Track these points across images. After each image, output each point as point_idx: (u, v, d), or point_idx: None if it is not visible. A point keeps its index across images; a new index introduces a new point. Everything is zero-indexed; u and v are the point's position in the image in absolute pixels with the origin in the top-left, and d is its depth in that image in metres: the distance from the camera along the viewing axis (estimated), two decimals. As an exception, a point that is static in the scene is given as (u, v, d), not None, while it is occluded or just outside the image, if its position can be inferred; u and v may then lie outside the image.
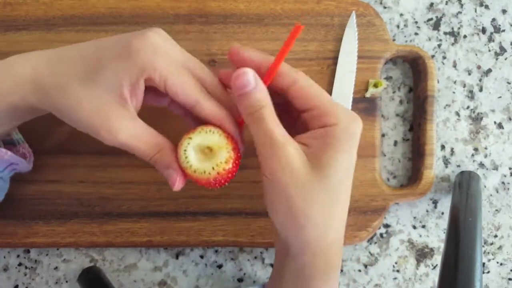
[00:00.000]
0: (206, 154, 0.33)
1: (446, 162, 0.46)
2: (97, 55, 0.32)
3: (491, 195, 0.47)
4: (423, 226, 0.46)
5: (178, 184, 0.33)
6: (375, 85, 0.44)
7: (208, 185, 0.33)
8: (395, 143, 0.47)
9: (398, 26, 0.47)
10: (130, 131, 0.32)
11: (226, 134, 0.33)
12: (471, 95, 0.47)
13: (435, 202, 0.47)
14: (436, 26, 0.47)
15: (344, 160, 0.32)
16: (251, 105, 0.32)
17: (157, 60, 0.31)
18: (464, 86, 0.47)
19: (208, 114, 0.33)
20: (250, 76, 0.31)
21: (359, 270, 0.46)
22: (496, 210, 0.47)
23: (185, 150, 0.33)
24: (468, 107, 0.47)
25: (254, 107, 0.32)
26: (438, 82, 0.46)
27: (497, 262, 0.47)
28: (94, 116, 0.31)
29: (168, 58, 0.32)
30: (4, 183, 0.38)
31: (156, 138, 0.33)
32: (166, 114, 0.38)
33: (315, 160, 0.31)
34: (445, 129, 0.46)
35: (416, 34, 0.47)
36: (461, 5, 0.47)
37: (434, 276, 0.46)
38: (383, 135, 0.47)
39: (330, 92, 0.44)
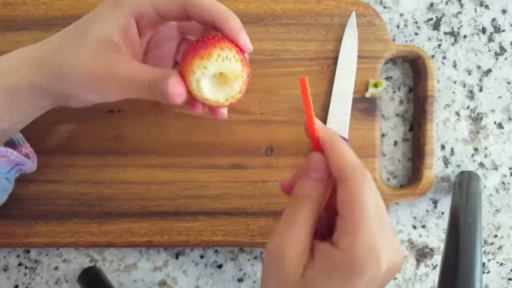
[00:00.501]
0: (219, 80, 0.31)
1: (446, 162, 0.46)
2: (88, 16, 0.33)
3: (491, 195, 0.47)
4: (423, 226, 0.46)
5: (180, 92, 0.30)
6: (375, 85, 0.44)
7: (214, 110, 0.32)
8: (395, 143, 0.47)
9: (398, 26, 0.47)
10: (126, 67, 0.31)
11: (241, 56, 0.31)
12: (471, 95, 0.47)
13: (435, 202, 0.47)
14: (436, 26, 0.47)
15: None
16: (300, 190, 0.30)
17: None
18: (464, 86, 0.47)
19: (206, 5, 0.31)
20: (319, 164, 0.30)
21: (359, 270, 0.46)
22: (496, 210, 0.47)
23: (198, 81, 0.30)
24: (468, 107, 0.47)
25: (300, 193, 0.30)
26: (438, 82, 0.46)
27: (497, 262, 0.47)
28: (91, 65, 0.31)
29: None
30: (9, 184, 0.38)
31: (156, 69, 0.32)
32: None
33: (306, 276, 0.28)
34: (445, 129, 0.46)
35: (416, 34, 0.47)
36: (461, 5, 0.47)
37: (434, 276, 0.46)
38: (383, 135, 0.47)
39: (330, 92, 0.44)
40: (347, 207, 0.28)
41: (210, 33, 0.32)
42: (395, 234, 0.30)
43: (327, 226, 0.32)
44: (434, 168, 0.44)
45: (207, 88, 0.31)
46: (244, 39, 0.32)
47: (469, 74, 0.47)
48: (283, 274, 0.28)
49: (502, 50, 0.47)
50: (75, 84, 0.32)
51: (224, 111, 0.36)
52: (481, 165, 0.46)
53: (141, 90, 0.31)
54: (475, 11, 0.47)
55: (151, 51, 0.37)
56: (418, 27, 0.47)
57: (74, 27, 0.33)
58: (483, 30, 0.47)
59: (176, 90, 0.30)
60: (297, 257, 0.28)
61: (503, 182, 0.46)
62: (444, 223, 0.46)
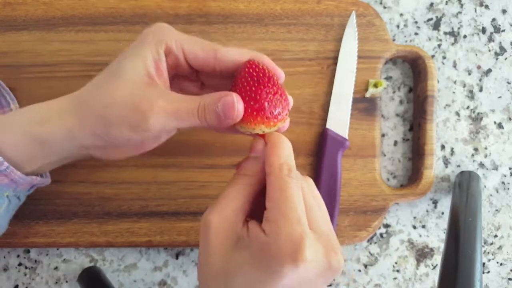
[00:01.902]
0: None
1: (446, 162, 0.46)
2: (122, 55, 0.33)
3: (491, 195, 0.47)
4: (423, 226, 0.46)
5: (238, 105, 0.31)
6: (375, 85, 0.44)
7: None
8: (395, 143, 0.47)
9: (398, 26, 0.47)
10: (167, 97, 0.32)
11: (287, 111, 0.32)
12: (471, 95, 0.47)
13: (435, 202, 0.47)
14: (436, 26, 0.47)
15: (249, 272, 0.28)
16: (240, 168, 0.32)
17: (169, 32, 0.33)
18: (464, 86, 0.47)
19: (235, 54, 0.33)
20: (257, 145, 0.33)
21: (359, 270, 0.46)
22: (496, 210, 0.47)
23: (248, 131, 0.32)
24: (468, 107, 0.47)
25: (239, 170, 0.32)
26: (438, 82, 0.46)
27: (497, 262, 0.47)
28: (131, 100, 0.31)
29: (177, 31, 0.33)
30: (21, 201, 0.38)
31: (200, 96, 0.32)
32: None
33: (234, 250, 0.29)
34: (445, 129, 0.46)
35: (416, 34, 0.47)
36: (461, 5, 0.47)
37: (434, 276, 0.46)
38: (383, 135, 0.47)
39: (330, 92, 0.44)
40: (271, 199, 0.29)
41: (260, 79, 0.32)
42: (333, 239, 0.30)
43: None
44: (434, 168, 0.44)
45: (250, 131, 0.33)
46: (280, 71, 0.33)
47: (469, 74, 0.47)
48: (210, 241, 0.29)
49: (502, 50, 0.47)
50: (116, 122, 0.32)
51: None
52: (481, 165, 0.46)
53: (188, 116, 0.31)
54: (475, 11, 0.47)
55: (174, 85, 0.37)
56: (418, 27, 0.47)
57: (109, 67, 0.33)
58: (483, 30, 0.47)
59: (240, 105, 0.31)
60: (224, 225, 0.30)
61: (503, 182, 0.46)
62: (444, 223, 0.46)
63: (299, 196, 0.29)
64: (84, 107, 0.33)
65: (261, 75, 0.31)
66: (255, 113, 0.31)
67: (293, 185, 0.29)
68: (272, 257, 0.27)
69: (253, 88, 0.31)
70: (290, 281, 0.28)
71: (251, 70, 0.31)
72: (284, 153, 0.31)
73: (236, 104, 0.31)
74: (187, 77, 0.36)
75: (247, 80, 0.31)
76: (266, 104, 0.31)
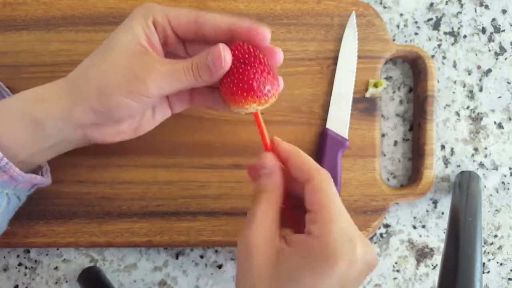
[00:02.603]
0: None
1: (446, 162, 0.46)
2: (112, 33, 0.34)
3: (491, 195, 0.47)
4: (423, 226, 0.46)
5: (225, 53, 0.32)
6: (375, 85, 0.44)
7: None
8: (395, 143, 0.47)
9: (398, 26, 0.47)
10: (162, 61, 0.33)
11: (278, 90, 0.34)
12: (471, 95, 0.47)
13: (435, 202, 0.47)
14: (436, 26, 0.47)
15: (308, 279, 0.28)
16: (258, 185, 0.33)
17: (155, 6, 0.34)
18: (464, 86, 0.47)
19: (215, 18, 0.34)
20: (267, 161, 0.33)
21: (359, 270, 0.46)
22: (496, 210, 0.47)
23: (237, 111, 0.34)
24: (468, 107, 0.47)
25: (258, 188, 0.33)
26: (438, 82, 0.46)
27: (497, 262, 0.47)
28: (127, 67, 0.32)
29: (163, 6, 0.34)
30: (21, 201, 0.38)
31: (189, 58, 0.33)
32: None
33: (282, 266, 0.29)
34: (445, 129, 0.46)
35: (416, 34, 0.47)
36: (461, 5, 0.47)
37: (434, 276, 0.46)
38: (383, 135, 0.47)
39: (330, 92, 0.44)
40: (317, 202, 0.30)
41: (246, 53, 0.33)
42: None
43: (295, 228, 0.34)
44: (434, 168, 0.44)
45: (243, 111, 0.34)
46: (264, 28, 0.33)
47: (469, 74, 0.47)
48: (254, 263, 0.29)
49: (502, 50, 0.47)
50: (114, 90, 0.32)
51: None
52: (481, 165, 0.46)
53: (182, 76, 0.32)
54: (475, 11, 0.47)
55: (170, 95, 0.38)
56: (418, 27, 0.47)
57: (101, 45, 0.34)
58: (483, 30, 0.47)
59: (226, 53, 0.32)
60: (265, 244, 0.30)
61: (503, 182, 0.46)
62: (444, 223, 0.46)
63: (338, 196, 0.31)
64: (80, 82, 0.33)
65: (247, 55, 0.32)
66: (245, 93, 0.32)
67: (333, 187, 0.31)
68: (326, 257, 0.28)
69: (240, 70, 0.32)
70: (339, 279, 0.28)
71: (236, 52, 0.33)
72: (308, 159, 0.32)
73: (222, 52, 0.32)
74: (177, 53, 0.37)
75: (234, 63, 0.32)
76: (254, 83, 0.32)
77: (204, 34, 0.34)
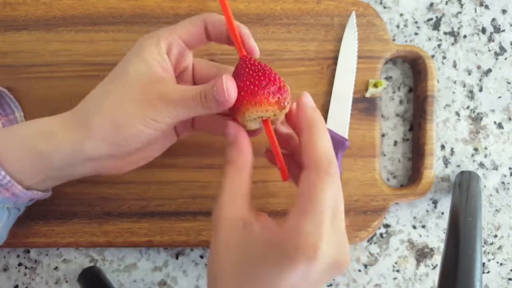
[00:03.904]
0: None
1: (446, 162, 0.46)
2: (123, 59, 0.34)
3: (491, 195, 0.47)
4: (423, 226, 0.46)
5: (227, 85, 0.31)
6: (375, 85, 0.44)
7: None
8: (395, 143, 0.47)
9: (398, 26, 0.47)
10: (174, 88, 0.33)
11: (287, 101, 0.33)
12: (471, 95, 0.47)
13: (435, 202, 0.47)
14: (436, 26, 0.47)
15: (263, 266, 0.29)
16: (225, 158, 0.33)
17: (160, 31, 0.34)
18: (464, 86, 0.47)
19: (221, 19, 0.34)
20: (230, 130, 0.33)
21: (359, 270, 0.46)
22: (496, 210, 0.47)
23: (245, 121, 0.33)
24: (468, 107, 0.47)
25: (226, 161, 0.33)
26: (438, 82, 0.46)
27: (497, 262, 0.47)
28: (140, 97, 0.32)
29: (167, 27, 0.35)
30: (20, 211, 0.38)
31: (201, 85, 0.33)
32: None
33: (245, 241, 0.29)
34: (445, 129, 0.46)
35: (416, 34, 0.47)
36: (461, 5, 0.47)
37: (434, 276, 0.46)
38: (383, 135, 0.47)
39: (330, 92, 0.44)
40: (303, 196, 0.29)
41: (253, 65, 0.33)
42: (346, 238, 0.31)
43: None
44: (434, 168, 0.44)
45: (252, 124, 0.33)
46: (251, 43, 0.34)
47: (469, 74, 0.47)
48: (221, 235, 0.30)
49: (502, 50, 0.47)
50: (129, 121, 0.32)
51: None
52: (481, 165, 0.46)
53: (192, 104, 0.32)
54: (475, 11, 0.47)
55: (182, 82, 0.38)
56: (418, 27, 0.47)
57: (114, 73, 0.34)
58: (483, 30, 0.47)
59: (229, 86, 0.31)
60: (232, 219, 0.30)
61: (503, 182, 0.46)
62: (444, 223, 0.46)
63: (332, 195, 0.29)
64: (91, 115, 0.32)
65: (260, 66, 0.32)
66: (267, 93, 0.31)
67: (329, 184, 0.29)
68: (287, 253, 0.28)
69: (260, 73, 0.32)
70: (298, 277, 0.28)
71: (249, 63, 0.32)
72: (324, 142, 0.31)
73: (225, 84, 0.31)
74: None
75: (248, 71, 0.32)
76: (277, 83, 0.32)
77: (213, 36, 0.34)
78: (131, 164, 0.36)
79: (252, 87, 0.31)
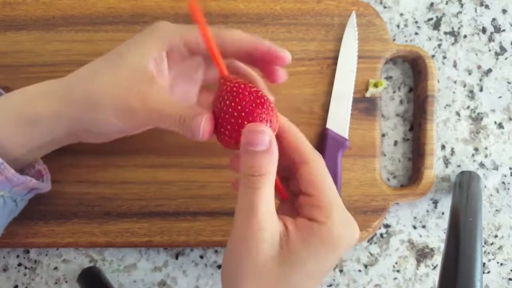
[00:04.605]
0: None
1: (446, 162, 0.46)
2: (123, 45, 0.34)
3: (491, 195, 0.47)
4: (423, 226, 0.46)
5: (204, 126, 0.30)
6: (375, 85, 0.44)
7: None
8: (395, 143, 0.47)
9: (398, 26, 0.47)
10: (159, 97, 0.32)
11: (275, 119, 0.30)
12: (471, 95, 0.47)
13: (435, 202, 0.47)
14: (436, 26, 0.47)
15: (313, 265, 0.29)
16: (253, 167, 0.28)
17: (170, 28, 0.34)
18: (465, 86, 0.47)
19: (234, 37, 0.34)
20: (266, 137, 0.28)
21: (359, 270, 0.46)
22: (497, 210, 0.47)
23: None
24: (468, 107, 0.47)
25: (256, 171, 0.28)
26: (438, 82, 0.46)
27: (497, 262, 0.47)
28: (124, 91, 0.32)
29: (177, 25, 0.35)
30: (19, 206, 0.38)
31: (186, 104, 0.32)
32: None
33: (286, 253, 0.29)
34: (445, 129, 0.46)
35: (416, 34, 0.47)
36: (461, 5, 0.47)
37: (434, 276, 0.46)
38: (383, 135, 0.46)
39: (330, 92, 0.44)
40: (315, 186, 0.30)
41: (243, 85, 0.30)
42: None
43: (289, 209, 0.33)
44: (434, 168, 0.44)
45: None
46: (284, 51, 0.34)
47: (469, 74, 0.47)
48: (260, 255, 0.28)
49: (503, 50, 0.47)
50: (103, 110, 0.32)
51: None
52: (481, 165, 0.46)
53: (169, 122, 0.32)
54: (475, 11, 0.47)
55: (177, 85, 0.38)
56: (418, 27, 0.47)
57: (109, 56, 0.34)
58: (483, 30, 0.47)
59: (206, 128, 0.30)
60: (270, 235, 0.29)
61: (503, 182, 0.46)
62: (444, 223, 0.46)
63: (331, 178, 0.31)
64: (74, 87, 0.33)
65: (240, 98, 0.29)
66: (233, 141, 0.30)
67: (327, 170, 0.31)
68: (333, 242, 0.29)
69: (227, 116, 0.29)
70: (337, 259, 0.30)
71: (229, 95, 0.30)
72: (303, 139, 0.32)
73: (203, 125, 0.30)
74: (193, 71, 0.37)
75: (226, 106, 0.30)
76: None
77: (223, 51, 0.33)
78: (109, 138, 0.36)
79: (222, 136, 0.30)
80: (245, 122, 0.29)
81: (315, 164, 0.31)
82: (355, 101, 0.44)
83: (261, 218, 0.28)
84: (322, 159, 0.32)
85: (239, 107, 0.29)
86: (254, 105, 0.29)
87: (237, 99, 0.29)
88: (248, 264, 0.29)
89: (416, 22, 0.47)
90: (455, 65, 0.47)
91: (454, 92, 0.47)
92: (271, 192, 0.29)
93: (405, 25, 0.47)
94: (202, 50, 0.34)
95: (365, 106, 0.44)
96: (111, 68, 0.33)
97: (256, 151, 0.28)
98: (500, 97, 0.47)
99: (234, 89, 0.29)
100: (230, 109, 0.29)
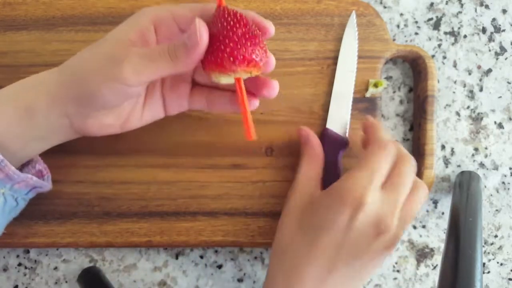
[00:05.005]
0: None
1: (447, 162, 0.46)
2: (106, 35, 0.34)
3: (491, 195, 0.47)
4: (423, 226, 0.46)
5: (200, 28, 0.31)
6: (375, 85, 0.44)
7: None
8: (395, 143, 0.47)
9: (398, 26, 0.47)
10: (143, 50, 0.32)
11: (264, 58, 0.33)
12: (471, 95, 0.47)
13: (435, 202, 0.47)
14: (436, 26, 0.47)
15: (325, 212, 0.36)
16: (310, 151, 0.42)
17: (159, 6, 0.35)
18: (464, 86, 0.47)
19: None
20: (303, 133, 0.42)
21: (359, 270, 0.46)
22: (496, 210, 0.47)
23: (218, 79, 0.33)
24: (468, 107, 0.47)
25: (308, 150, 0.42)
26: (438, 82, 0.46)
27: (497, 262, 0.47)
28: (108, 53, 0.32)
29: (166, 4, 0.37)
30: (19, 204, 0.38)
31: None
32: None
33: (311, 199, 0.39)
34: (445, 129, 0.46)
35: (416, 34, 0.47)
36: (461, 5, 0.47)
37: (434, 276, 0.46)
38: (383, 135, 0.46)
39: (330, 92, 0.44)
40: (362, 159, 0.36)
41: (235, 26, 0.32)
42: (393, 210, 0.35)
43: None
44: (434, 168, 0.44)
45: (223, 80, 0.33)
46: (268, 22, 0.35)
47: (469, 74, 0.47)
48: (296, 196, 0.40)
49: (503, 50, 0.47)
50: (92, 75, 0.32)
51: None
52: (482, 165, 0.46)
53: (159, 57, 0.31)
54: (475, 11, 0.47)
55: (167, 92, 0.38)
56: (418, 27, 0.47)
57: (98, 40, 0.34)
58: (483, 30, 0.47)
59: (203, 31, 0.31)
60: (306, 187, 0.40)
61: (503, 182, 0.46)
62: (444, 223, 0.46)
63: (385, 166, 0.35)
64: (67, 68, 0.34)
65: (232, 21, 0.31)
66: (231, 58, 0.31)
67: (385, 156, 0.35)
68: (339, 196, 0.34)
69: (225, 33, 0.31)
70: (344, 221, 0.34)
71: (222, 18, 0.32)
72: (384, 133, 0.38)
73: (198, 26, 0.31)
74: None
75: (218, 29, 0.31)
76: (240, 46, 0.31)
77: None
78: (105, 127, 0.36)
79: (219, 54, 0.31)
80: (235, 50, 0.31)
81: (374, 147, 0.36)
82: (355, 101, 0.44)
83: (301, 179, 0.40)
84: (386, 146, 0.36)
85: (234, 35, 0.31)
86: (247, 36, 0.32)
87: (234, 28, 0.31)
88: (289, 202, 0.40)
89: (416, 22, 0.47)
90: (455, 65, 0.47)
91: (454, 92, 0.47)
92: (312, 167, 0.41)
93: (405, 25, 0.47)
94: (187, 25, 0.34)
95: (365, 106, 0.44)
96: (97, 44, 0.33)
97: (302, 141, 0.42)
98: (500, 97, 0.47)
99: (232, 16, 0.32)
100: (225, 32, 0.31)
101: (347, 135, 0.44)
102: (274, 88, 0.37)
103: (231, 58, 0.31)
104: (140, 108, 0.37)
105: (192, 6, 0.34)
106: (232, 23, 0.31)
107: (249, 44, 0.31)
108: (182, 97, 0.39)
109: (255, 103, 0.38)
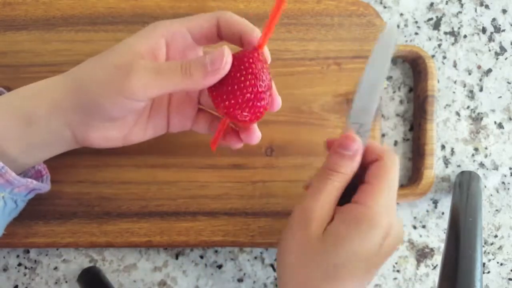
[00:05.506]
0: None
1: (446, 162, 0.46)
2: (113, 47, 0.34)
3: (491, 195, 0.47)
4: (423, 226, 0.46)
5: (226, 54, 0.31)
6: (375, 85, 0.44)
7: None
8: (395, 143, 0.47)
9: (398, 26, 0.47)
10: (151, 63, 0.32)
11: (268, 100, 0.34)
12: (471, 95, 0.47)
13: (435, 202, 0.47)
14: (436, 26, 0.47)
15: (357, 245, 0.31)
16: (335, 164, 0.33)
17: (172, 20, 0.34)
18: (464, 86, 0.47)
19: (236, 19, 0.34)
20: (355, 146, 0.33)
21: (359, 270, 0.46)
22: (496, 210, 0.47)
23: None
24: (468, 107, 0.47)
25: (335, 168, 0.33)
26: (438, 82, 0.46)
27: (497, 262, 0.47)
28: (114, 64, 0.31)
29: (178, 19, 0.34)
30: (19, 206, 0.38)
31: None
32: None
33: (328, 232, 0.32)
34: (445, 129, 0.46)
35: (416, 34, 0.47)
36: (461, 5, 0.47)
37: (434, 276, 0.46)
38: (383, 135, 0.46)
39: (330, 92, 0.44)
40: (376, 177, 0.33)
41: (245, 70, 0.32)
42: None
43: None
44: (434, 168, 0.44)
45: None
46: (255, 36, 0.34)
47: (469, 74, 0.47)
48: (308, 230, 0.32)
49: (502, 50, 0.47)
50: (98, 84, 0.32)
51: (257, 133, 0.37)
52: (481, 165, 0.46)
53: (169, 72, 0.31)
54: (475, 11, 0.47)
55: (173, 111, 0.38)
56: (418, 27, 0.47)
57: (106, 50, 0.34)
58: (483, 30, 0.47)
59: (229, 57, 0.31)
60: (322, 217, 0.32)
61: (503, 182, 0.46)
62: (444, 223, 0.46)
63: (396, 177, 0.34)
64: (72, 77, 0.33)
65: (248, 68, 0.32)
66: (238, 107, 0.32)
67: (396, 170, 0.34)
68: (367, 222, 0.31)
69: (239, 79, 0.31)
70: (376, 247, 0.31)
71: (237, 62, 0.32)
72: (377, 143, 0.36)
73: (226, 53, 0.31)
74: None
75: (233, 71, 0.32)
76: (249, 96, 0.32)
77: (224, 36, 0.34)
78: (107, 139, 0.35)
79: (224, 96, 0.32)
80: (245, 92, 0.31)
81: (387, 160, 0.33)
82: (355, 101, 0.44)
83: (319, 203, 0.32)
84: (395, 156, 0.34)
85: (247, 93, 0.32)
86: (260, 91, 0.32)
87: (247, 73, 0.32)
88: (299, 233, 0.33)
89: (416, 22, 0.47)
90: (455, 65, 0.47)
91: (454, 92, 0.47)
92: (338, 188, 0.33)
93: (405, 25, 0.47)
94: (205, 33, 0.34)
95: (365, 106, 0.44)
96: (102, 55, 0.33)
97: (344, 154, 0.33)
98: (500, 97, 0.47)
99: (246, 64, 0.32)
100: (242, 84, 0.31)
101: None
102: (255, 138, 0.37)
103: (239, 111, 0.32)
104: (144, 122, 0.37)
105: (207, 17, 0.34)
106: (250, 77, 0.31)
107: (259, 104, 0.32)
108: (187, 118, 0.38)
109: (238, 144, 0.38)
